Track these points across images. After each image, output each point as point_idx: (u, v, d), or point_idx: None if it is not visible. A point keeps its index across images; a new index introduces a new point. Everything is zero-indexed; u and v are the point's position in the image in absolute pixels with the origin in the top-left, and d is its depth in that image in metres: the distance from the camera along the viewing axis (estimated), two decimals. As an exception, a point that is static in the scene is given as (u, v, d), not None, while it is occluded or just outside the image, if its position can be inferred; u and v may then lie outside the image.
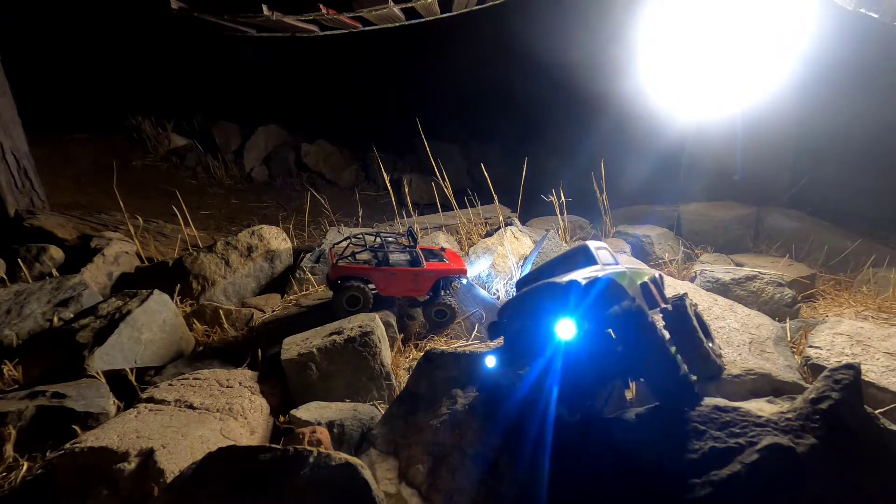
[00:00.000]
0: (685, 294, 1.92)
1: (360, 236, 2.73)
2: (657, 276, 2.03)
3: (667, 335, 1.86)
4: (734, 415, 1.36)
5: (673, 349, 1.46)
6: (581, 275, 1.72)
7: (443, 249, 2.90)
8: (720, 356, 1.93)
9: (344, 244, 2.69)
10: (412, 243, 2.73)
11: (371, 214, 5.57)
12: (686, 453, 1.31)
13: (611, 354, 1.49)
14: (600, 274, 1.70)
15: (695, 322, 1.85)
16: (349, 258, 2.59)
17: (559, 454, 1.43)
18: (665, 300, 1.91)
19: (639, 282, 1.89)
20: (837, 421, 1.30)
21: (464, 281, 2.79)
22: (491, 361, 1.72)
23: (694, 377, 1.56)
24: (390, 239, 2.75)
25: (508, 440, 1.54)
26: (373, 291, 2.59)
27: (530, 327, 1.66)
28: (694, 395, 1.44)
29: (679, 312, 1.84)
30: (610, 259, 1.98)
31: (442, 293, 2.67)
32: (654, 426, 1.42)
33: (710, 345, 1.90)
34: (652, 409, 1.48)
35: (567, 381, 1.53)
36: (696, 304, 1.98)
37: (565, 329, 1.53)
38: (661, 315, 1.88)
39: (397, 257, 2.66)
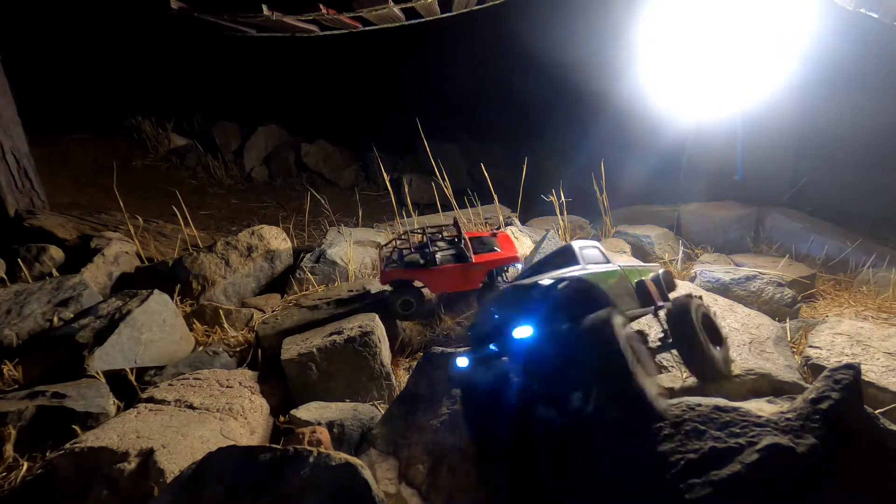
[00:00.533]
0: (691, 293, 1.89)
1: (406, 235, 2.68)
2: (661, 273, 2.01)
3: (662, 335, 1.85)
4: (734, 415, 1.36)
5: (632, 359, 1.36)
6: (551, 276, 1.70)
7: (494, 234, 2.79)
8: (727, 361, 1.87)
9: (392, 245, 2.65)
10: (458, 234, 2.65)
11: (371, 214, 5.57)
12: (685, 453, 1.31)
13: (575, 362, 1.44)
14: (572, 274, 1.68)
15: (697, 323, 1.79)
16: (397, 261, 2.55)
17: (555, 456, 1.43)
18: (667, 298, 1.89)
19: (634, 280, 1.87)
20: (837, 421, 1.30)
21: (518, 267, 2.67)
22: (462, 362, 1.72)
23: (689, 379, 1.53)
24: (436, 233, 2.68)
25: (494, 442, 1.53)
26: (424, 288, 2.59)
27: (498, 330, 1.64)
28: (650, 410, 1.34)
29: (680, 311, 1.81)
30: (599, 258, 1.94)
31: (498, 279, 2.61)
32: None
33: (718, 348, 1.84)
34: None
35: (543, 385, 1.50)
36: (706, 306, 1.89)
37: (523, 333, 1.51)
38: (663, 312, 1.86)
39: (445, 253, 2.59)
